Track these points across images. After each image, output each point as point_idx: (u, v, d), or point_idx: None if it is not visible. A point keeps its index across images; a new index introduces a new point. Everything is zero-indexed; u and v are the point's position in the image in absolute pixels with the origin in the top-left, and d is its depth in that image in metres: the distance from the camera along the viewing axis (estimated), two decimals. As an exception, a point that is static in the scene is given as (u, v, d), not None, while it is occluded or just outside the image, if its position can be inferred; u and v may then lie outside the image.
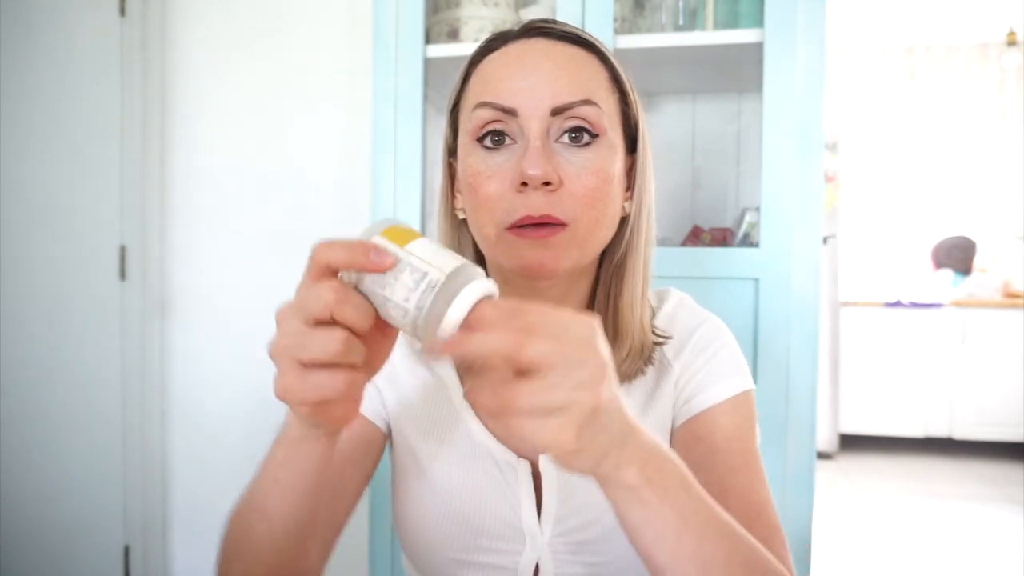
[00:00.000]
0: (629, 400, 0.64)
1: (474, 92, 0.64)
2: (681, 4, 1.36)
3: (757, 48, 1.26)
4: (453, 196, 0.69)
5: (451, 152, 0.69)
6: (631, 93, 0.66)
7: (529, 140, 0.59)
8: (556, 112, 0.60)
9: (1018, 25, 4.04)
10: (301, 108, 1.78)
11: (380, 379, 0.68)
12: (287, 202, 1.80)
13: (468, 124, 0.63)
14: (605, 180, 0.61)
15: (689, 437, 0.66)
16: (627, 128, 0.66)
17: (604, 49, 0.65)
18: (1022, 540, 2.70)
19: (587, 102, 0.61)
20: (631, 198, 0.66)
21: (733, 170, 1.63)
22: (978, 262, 4.24)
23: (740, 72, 1.43)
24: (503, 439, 0.67)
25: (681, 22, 1.36)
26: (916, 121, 4.44)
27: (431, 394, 0.69)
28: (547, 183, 0.58)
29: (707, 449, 0.64)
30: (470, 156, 0.63)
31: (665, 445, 0.65)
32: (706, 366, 0.67)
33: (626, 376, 0.66)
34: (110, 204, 1.81)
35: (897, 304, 3.92)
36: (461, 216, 0.67)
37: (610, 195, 0.62)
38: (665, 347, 0.68)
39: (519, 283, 0.64)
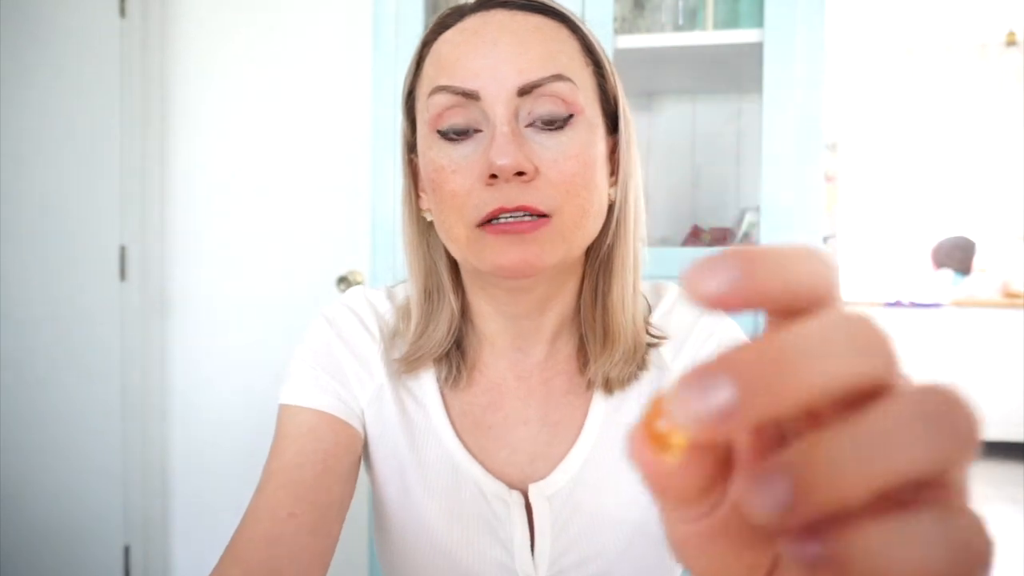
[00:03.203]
0: (622, 413, 0.60)
1: (429, 76, 0.56)
2: (681, 4, 1.36)
3: (757, 48, 1.27)
4: (417, 196, 0.61)
5: (410, 147, 0.61)
6: (607, 65, 0.58)
7: (495, 126, 0.52)
8: (524, 91, 0.52)
9: (1017, 25, 4.03)
10: (301, 108, 1.78)
11: (355, 383, 0.61)
12: (287, 202, 1.80)
13: (426, 113, 0.55)
14: (586, 164, 0.53)
15: None
16: (605, 105, 0.58)
17: (573, 17, 0.57)
18: (1022, 540, 2.70)
19: (559, 77, 0.53)
20: (615, 184, 0.59)
21: (733, 170, 1.63)
22: (978, 262, 4.25)
23: (740, 72, 1.43)
24: (490, 467, 0.60)
25: (681, 22, 1.36)
26: (916, 121, 4.44)
27: (411, 416, 0.62)
28: (520, 173, 0.51)
29: None
30: (431, 149, 0.55)
31: None
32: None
33: (618, 383, 0.60)
34: (110, 204, 1.81)
35: (897, 304, 3.92)
36: (428, 218, 0.60)
37: (594, 181, 0.54)
38: (662, 348, 0.62)
39: (498, 289, 0.58)
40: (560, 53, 0.54)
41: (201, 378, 1.89)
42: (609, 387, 0.60)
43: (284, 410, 0.60)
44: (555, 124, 0.53)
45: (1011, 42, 4.12)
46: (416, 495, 0.61)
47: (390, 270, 1.35)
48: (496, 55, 0.52)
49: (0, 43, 1.68)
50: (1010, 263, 4.25)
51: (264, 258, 1.82)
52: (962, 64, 4.37)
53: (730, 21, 1.32)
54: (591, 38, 0.57)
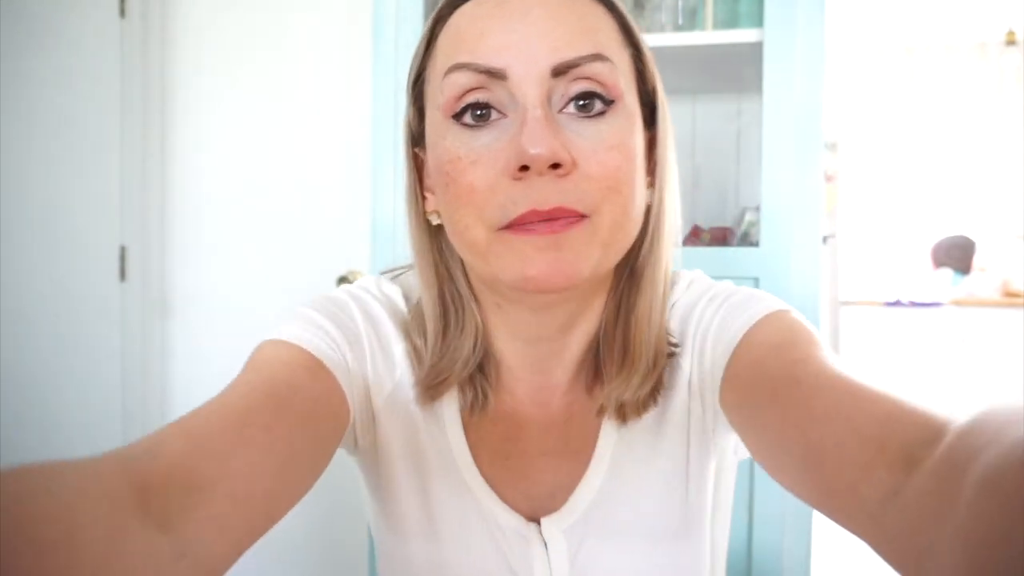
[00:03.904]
0: (636, 437, 0.54)
1: (444, 54, 0.48)
2: (680, 4, 1.36)
3: (757, 48, 1.27)
4: (423, 196, 0.53)
5: (416, 140, 0.53)
6: (646, 50, 0.51)
7: (527, 109, 0.44)
8: (558, 72, 0.45)
9: (1017, 25, 4.03)
10: (301, 107, 1.79)
11: (370, 364, 0.54)
12: (287, 202, 1.80)
13: (440, 96, 0.47)
14: (628, 157, 0.46)
15: (735, 387, 0.48)
16: (643, 94, 0.51)
17: None
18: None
19: (598, 57, 0.45)
20: (652, 184, 0.52)
21: (733, 169, 1.63)
22: (977, 261, 4.25)
23: (740, 72, 1.43)
24: (508, 499, 0.54)
25: (680, 22, 1.36)
26: (916, 121, 4.44)
27: (431, 436, 0.56)
28: (556, 165, 0.43)
29: (755, 376, 0.46)
30: (445, 138, 0.47)
31: (682, 482, 0.53)
32: (720, 317, 0.52)
33: (634, 408, 0.52)
34: (110, 204, 1.82)
35: (897, 303, 3.92)
36: (435, 221, 0.52)
37: (635, 177, 0.47)
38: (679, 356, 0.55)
39: (518, 305, 0.51)
40: (598, 31, 0.47)
41: (202, 378, 1.90)
42: (623, 413, 0.53)
43: (264, 345, 0.50)
44: (593, 111, 0.46)
45: (1011, 41, 4.12)
46: (429, 523, 0.55)
47: (390, 270, 1.35)
48: (526, 28, 0.45)
49: (0, 44, 1.68)
50: (1010, 262, 4.26)
51: (264, 258, 1.82)
52: (962, 63, 4.37)
53: (730, 21, 1.33)
54: (628, 18, 0.50)
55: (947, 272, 4.22)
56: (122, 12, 1.80)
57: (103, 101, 1.80)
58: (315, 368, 0.48)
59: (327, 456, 0.47)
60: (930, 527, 0.28)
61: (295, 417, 0.43)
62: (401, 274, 0.61)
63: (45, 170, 1.74)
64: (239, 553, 0.37)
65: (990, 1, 3.75)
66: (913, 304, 3.89)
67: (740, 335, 0.49)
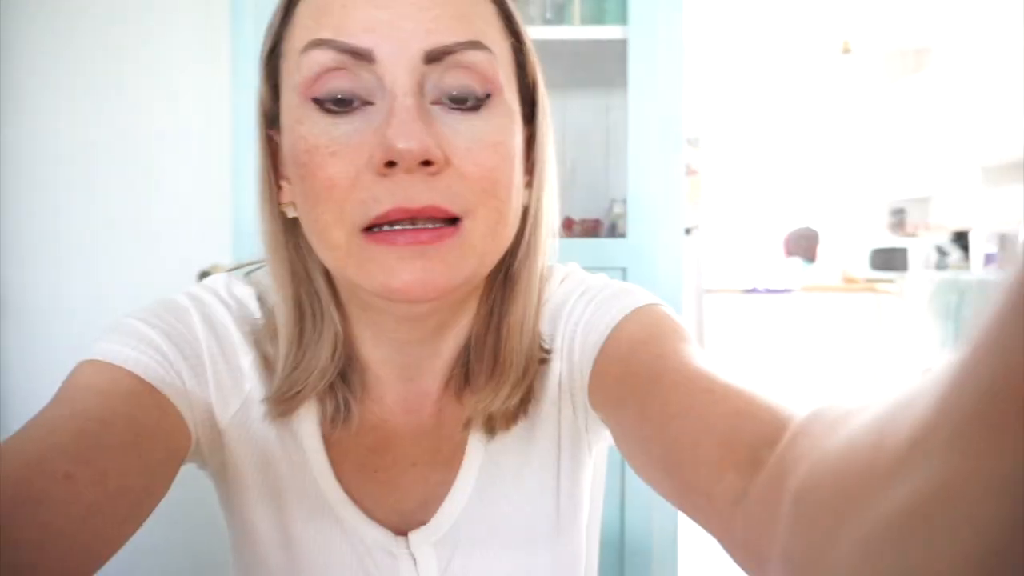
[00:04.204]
0: (507, 452, 0.52)
1: (304, 26, 0.43)
2: (549, -1, 1.38)
3: (622, 45, 1.31)
4: (278, 186, 0.48)
5: (270, 120, 0.47)
6: (527, 41, 0.48)
7: (396, 97, 0.40)
8: (432, 58, 0.41)
9: (852, 35, 4.45)
10: (152, 81, 1.65)
11: (213, 381, 0.49)
12: (138, 192, 1.66)
13: (297, 75, 0.42)
14: (506, 157, 0.43)
15: (602, 384, 0.48)
16: (523, 87, 0.48)
17: None
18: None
19: (476, 45, 0.42)
20: (530, 184, 0.49)
21: (603, 163, 1.68)
22: (821, 251, 4.67)
23: (607, 68, 1.48)
24: (375, 514, 0.51)
25: (549, 16, 1.38)
26: (769, 120, 4.80)
27: (286, 453, 0.51)
28: (427, 163, 0.40)
29: (621, 373, 0.45)
30: (302, 123, 0.42)
31: (554, 487, 0.52)
32: (588, 313, 0.51)
33: (510, 419, 0.50)
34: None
35: (754, 291, 4.22)
36: (291, 214, 0.47)
37: (513, 178, 0.44)
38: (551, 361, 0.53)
39: (384, 315, 0.48)
40: (476, 16, 0.43)
41: (40, 387, 1.71)
42: (491, 426, 0.51)
43: (82, 366, 0.44)
44: (468, 104, 0.42)
45: (846, 50, 4.55)
46: (286, 548, 0.51)
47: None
48: (398, 6, 0.41)
49: None
50: (848, 251, 4.71)
51: (114, 254, 1.67)
52: (805, 68, 4.76)
53: (597, 17, 1.36)
54: (510, 5, 0.47)
55: (797, 260, 4.60)
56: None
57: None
58: (142, 392, 0.43)
59: (164, 483, 0.42)
60: (764, 538, 0.28)
61: (112, 453, 0.38)
62: (258, 269, 0.56)
63: None
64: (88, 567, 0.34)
65: (827, 14, 4.10)
66: (768, 291, 4.20)
67: (608, 331, 0.48)
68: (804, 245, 4.68)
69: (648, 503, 1.26)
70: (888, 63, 4.66)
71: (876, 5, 3.96)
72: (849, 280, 4.46)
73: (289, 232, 0.48)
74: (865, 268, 4.45)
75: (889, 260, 4.22)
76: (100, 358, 0.44)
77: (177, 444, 0.44)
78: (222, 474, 0.52)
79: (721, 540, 0.33)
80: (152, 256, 1.65)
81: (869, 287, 4.13)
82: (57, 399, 0.42)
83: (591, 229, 1.51)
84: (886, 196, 4.67)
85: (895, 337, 3.84)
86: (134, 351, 0.45)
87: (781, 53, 4.70)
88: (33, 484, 0.34)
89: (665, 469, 0.38)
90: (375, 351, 0.51)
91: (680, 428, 0.37)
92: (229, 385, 0.49)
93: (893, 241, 4.35)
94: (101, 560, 0.36)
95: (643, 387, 0.42)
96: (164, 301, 0.50)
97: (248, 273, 0.56)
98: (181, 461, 0.45)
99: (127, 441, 0.39)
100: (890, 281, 4.03)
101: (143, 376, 0.44)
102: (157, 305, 0.49)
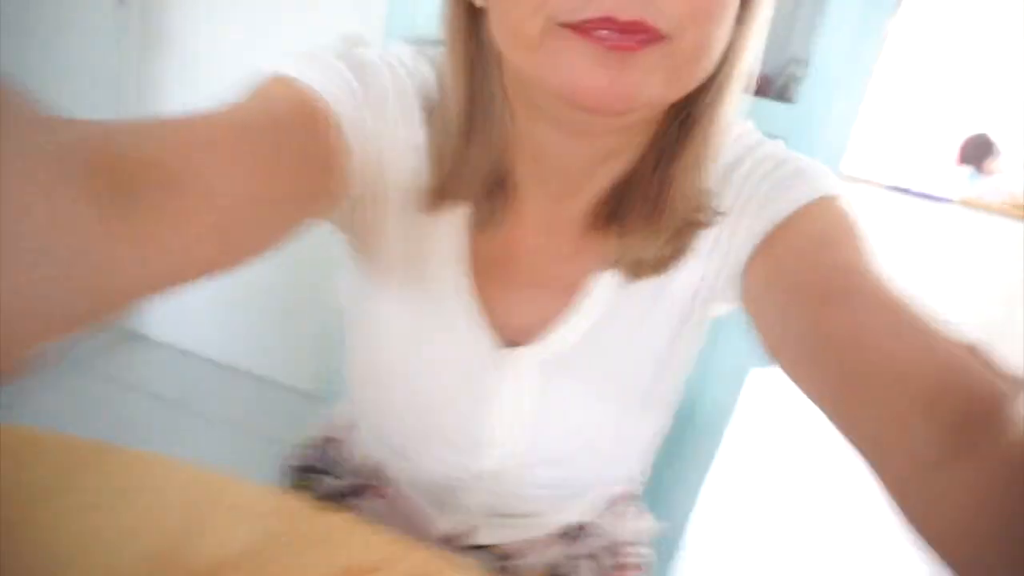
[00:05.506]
0: (635, 302, 0.52)
1: None
2: None
3: None
4: None
5: None
6: None
7: None
8: None
9: None
10: None
11: (390, 125, 0.48)
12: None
13: None
14: None
15: (765, 274, 0.46)
16: None
17: None
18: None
19: None
20: (740, 18, 0.44)
21: (791, 12, 1.48)
22: (998, 166, 4.14)
23: None
24: (495, 323, 0.52)
25: None
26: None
27: (428, 232, 0.51)
28: None
29: (791, 271, 0.44)
30: None
31: (665, 350, 0.53)
32: (764, 189, 0.48)
33: (660, 267, 0.49)
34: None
35: (906, 191, 3.86)
36: (479, 2, 0.43)
37: (728, 9, 0.40)
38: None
39: (554, 122, 0.44)
40: None
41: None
42: (637, 270, 0.50)
43: (269, 81, 0.44)
44: None
45: None
46: (408, 333, 0.54)
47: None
48: None
49: None
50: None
51: (271, 4, 1.68)
52: None
53: None
54: None
55: (967, 170, 4.12)
56: None
57: None
58: (324, 119, 0.43)
59: (313, 207, 0.42)
60: (972, 516, 0.27)
61: (287, 153, 0.38)
62: (433, 49, 0.52)
63: None
64: (206, 262, 0.33)
65: None
66: (922, 195, 3.83)
67: (781, 217, 0.46)
68: (977, 154, 4.15)
69: (703, 374, 1.25)
70: None
71: None
72: (1017, 206, 3.98)
73: (472, 22, 0.45)
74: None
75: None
76: (293, 75, 0.43)
77: (336, 181, 0.44)
78: (363, 241, 0.53)
79: (903, 504, 0.31)
80: (308, 8, 1.64)
81: (1039, 218, 3.69)
82: (247, 96, 0.42)
83: (756, 86, 1.38)
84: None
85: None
86: (327, 80, 0.44)
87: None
88: (220, 144, 0.35)
89: (844, 401, 0.35)
90: (533, 166, 0.49)
91: (871, 365, 0.34)
92: (398, 156, 0.49)
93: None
94: (255, 243, 0.37)
95: (820, 297, 0.39)
96: (354, 54, 0.48)
97: (427, 50, 0.52)
98: (333, 201, 0.45)
99: (302, 153, 0.40)
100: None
101: (332, 104, 0.44)
102: (349, 55, 0.48)
